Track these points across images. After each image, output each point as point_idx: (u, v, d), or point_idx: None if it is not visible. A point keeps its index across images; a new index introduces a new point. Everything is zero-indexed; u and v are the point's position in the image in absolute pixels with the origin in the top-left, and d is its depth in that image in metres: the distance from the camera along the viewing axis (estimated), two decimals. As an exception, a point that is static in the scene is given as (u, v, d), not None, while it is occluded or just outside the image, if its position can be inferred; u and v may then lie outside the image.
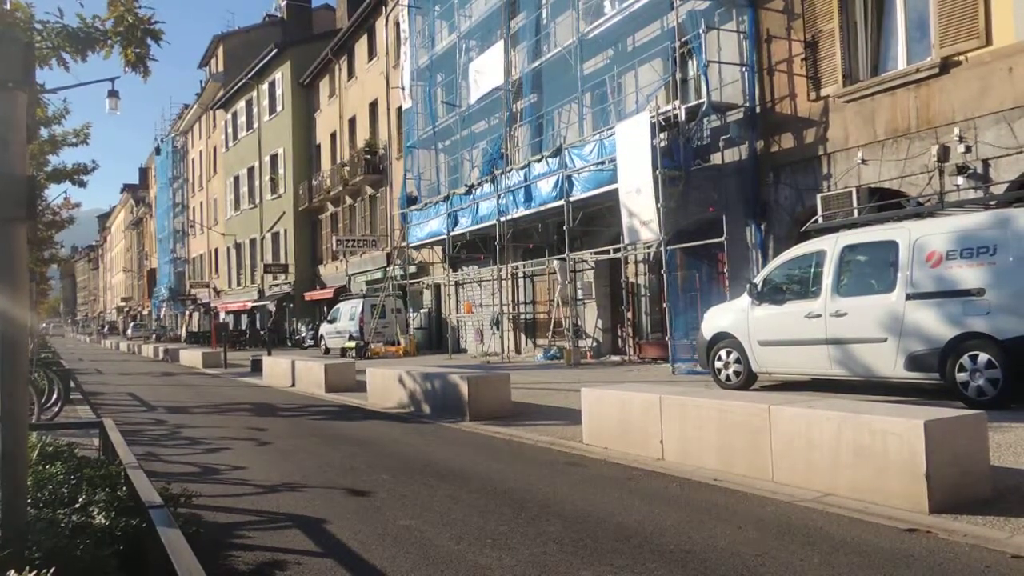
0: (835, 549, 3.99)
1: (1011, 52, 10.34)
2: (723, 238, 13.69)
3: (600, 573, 3.75)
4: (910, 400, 8.07)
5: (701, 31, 14.16)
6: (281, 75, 40.11)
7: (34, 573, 2.41)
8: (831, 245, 9.48)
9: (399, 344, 24.57)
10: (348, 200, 34.65)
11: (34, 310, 27.18)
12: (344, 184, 33.35)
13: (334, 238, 32.84)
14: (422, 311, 27.26)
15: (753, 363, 10.22)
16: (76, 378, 15.65)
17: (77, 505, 3.48)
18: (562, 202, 17.15)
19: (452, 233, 22.17)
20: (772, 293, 10.17)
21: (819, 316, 9.25)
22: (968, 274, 7.96)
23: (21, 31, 4.81)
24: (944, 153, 11.09)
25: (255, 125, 43.53)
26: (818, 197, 12.57)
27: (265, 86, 42.01)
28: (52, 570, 2.46)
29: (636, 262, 17.29)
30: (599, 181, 16.12)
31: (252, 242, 44.47)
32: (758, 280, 10.50)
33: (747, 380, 10.38)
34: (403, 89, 26.92)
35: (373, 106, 31.84)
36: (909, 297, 8.40)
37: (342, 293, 32.34)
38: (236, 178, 46.62)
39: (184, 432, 9.46)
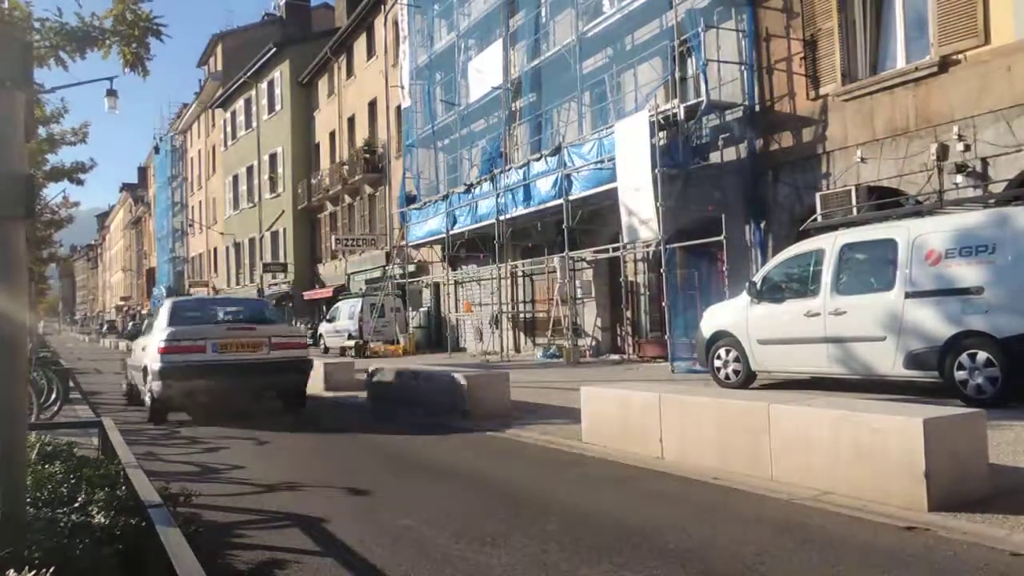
0: (834, 547, 4.00)
1: (1010, 51, 10.34)
2: (722, 237, 13.69)
3: (600, 571, 3.76)
4: (909, 398, 8.06)
5: (700, 30, 14.16)
6: (280, 74, 40.07)
7: (33, 573, 2.40)
8: (830, 243, 9.48)
9: (398, 343, 24.57)
10: (347, 199, 34.63)
11: (33, 309, 27.17)
12: (343, 183, 33.32)
13: (333, 237, 32.81)
14: (421, 310, 27.25)
15: (752, 362, 10.22)
16: (75, 377, 15.63)
17: (76, 504, 3.47)
18: (561, 201, 17.14)
19: (451, 232, 22.15)
20: (771, 291, 10.17)
21: (818, 314, 9.25)
22: (967, 272, 7.96)
23: (20, 30, 4.80)
24: (943, 152, 11.09)
25: (254, 124, 43.49)
26: (817, 196, 12.57)
27: (264, 85, 41.96)
28: (51, 570, 2.45)
29: (635, 261, 17.29)
30: (598, 180, 16.12)
31: (251, 241, 44.44)
32: (757, 279, 10.49)
33: (746, 379, 10.38)
34: (402, 88, 26.91)
35: (372, 105, 31.82)
36: (908, 295, 8.41)
37: (341, 292, 32.32)
38: (235, 177, 46.58)
39: (183, 431, 9.46)
